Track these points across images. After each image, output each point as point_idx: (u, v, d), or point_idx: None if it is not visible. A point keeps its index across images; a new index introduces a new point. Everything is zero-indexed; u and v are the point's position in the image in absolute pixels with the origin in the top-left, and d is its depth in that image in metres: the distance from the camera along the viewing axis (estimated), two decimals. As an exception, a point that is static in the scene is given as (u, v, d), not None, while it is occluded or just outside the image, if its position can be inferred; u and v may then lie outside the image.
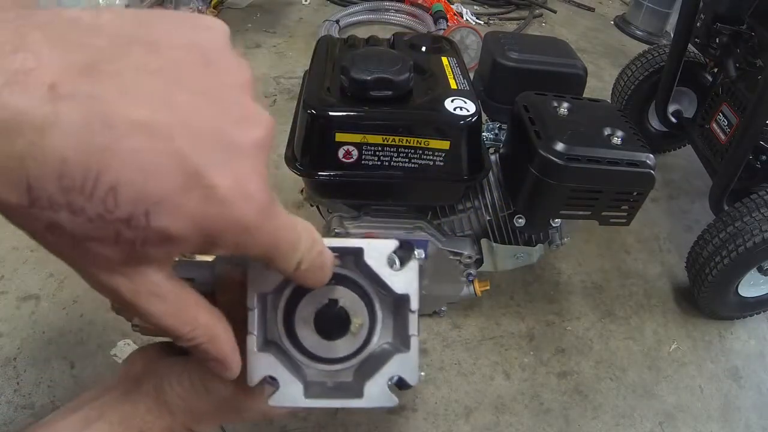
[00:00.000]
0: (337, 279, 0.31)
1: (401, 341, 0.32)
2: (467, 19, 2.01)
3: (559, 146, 0.68)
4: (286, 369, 0.30)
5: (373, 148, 0.66)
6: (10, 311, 0.89)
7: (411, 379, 0.31)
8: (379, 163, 0.68)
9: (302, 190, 0.83)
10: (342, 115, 0.64)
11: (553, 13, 2.30)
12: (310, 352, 0.31)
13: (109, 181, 0.18)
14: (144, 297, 0.22)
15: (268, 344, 0.31)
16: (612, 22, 2.32)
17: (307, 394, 0.30)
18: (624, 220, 0.76)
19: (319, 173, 0.68)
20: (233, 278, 0.32)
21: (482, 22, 2.11)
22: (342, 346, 0.31)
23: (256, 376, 0.30)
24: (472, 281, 0.86)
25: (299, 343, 0.31)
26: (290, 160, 0.70)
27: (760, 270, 0.97)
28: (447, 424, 0.83)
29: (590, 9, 2.42)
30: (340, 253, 0.30)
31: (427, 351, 0.93)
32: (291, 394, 0.30)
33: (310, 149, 0.67)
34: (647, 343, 1.01)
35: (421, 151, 0.67)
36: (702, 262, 0.97)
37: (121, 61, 0.18)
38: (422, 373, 0.29)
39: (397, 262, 0.31)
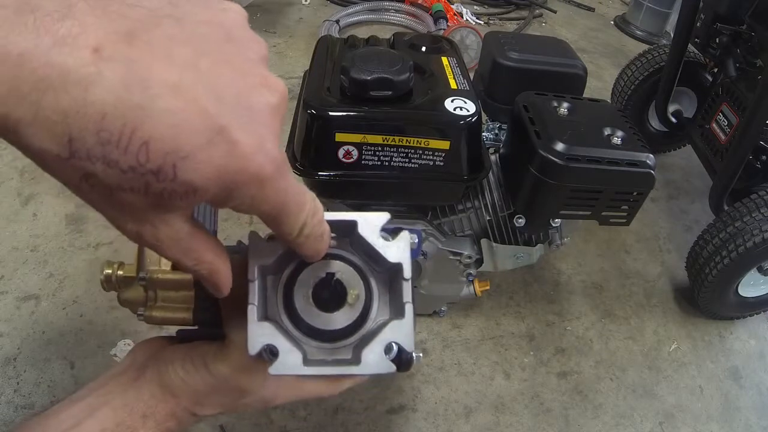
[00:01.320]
0: (332, 257, 0.32)
1: (397, 311, 0.32)
2: (467, 19, 2.01)
3: (559, 146, 0.68)
4: (286, 339, 0.30)
5: (373, 148, 0.66)
6: (10, 311, 0.89)
7: (407, 345, 0.31)
8: (379, 163, 0.68)
9: (302, 190, 0.83)
10: (342, 115, 0.64)
11: (553, 13, 2.30)
12: (310, 326, 0.32)
13: (142, 136, 0.19)
14: (165, 242, 0.25)
15: (268, 321, 0.31)
16: (612, 22, 2.32)
17: (306, 363, 0.30)
18: (624, 220, 0.76)
19: (319, 173, 0.68)
20: (235, 264, 0.32)
21: (482, 22, 2.11)
22: (340, 319, 0.32)
23: (256, 345, 0.30)
24: (472, 281, 0.86)
25: (299, 321, 0.32)
26: (290, 160, 0.70)
27: (760, 270, 0.97)
28: (447, 424, 0.83)
29: (590, 9, 2.42)
30: (336, 225, 0.31)
31: (427, 351, 0.93)
32: (290, 362, 0.30)
33: (310, 149, 0.67)
34: (647, 343, 1.01)
35: (421, 151, 0.67)
36: (702, 262, 0.97)
37: (154, 31, 0.21)
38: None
39: (390, 237, 0.32)
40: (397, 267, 0.32)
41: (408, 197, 0.77)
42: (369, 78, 0.63)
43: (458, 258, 0.81)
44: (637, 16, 2.20)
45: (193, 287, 0.37)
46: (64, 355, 0.84)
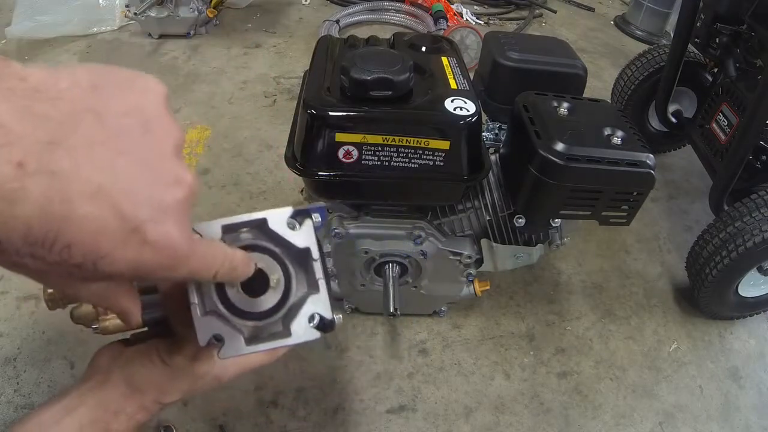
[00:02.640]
0: (253, 247, 0.37)
1: (313, 287, 0.38)
2: (467, 19, 2.01)
3: (559, 146, 0.68)
4: (227, 326, 0.36)
5: (373, 148, 0.66)
6: (10, 311, 0.89)
7: (326, 313, 0.38)
8: (379, 163, 0.68)
9: (302, 190, 0.83)
10: (342, 115, 0.64)
11: (553, 13, 2.30)
12: (243, 311, 0.37)
13: (64, 241, 0.22)
14: (84, 298, 0.32)
15: (209, 313, 0.36)
16: (612, 22, 2.32)
17: (248, 343, 0.36)
18: (624, 220, 0.76)
19: (319, 173, 0.68)
20: None
21: (482, 22, 2.11)
22: (267, 300, 0.37)
23: (203, 336, 0.35)
24: (472, 281, 0.86)
25: (234, 308, 0.37)
26: (290, 160, 0.70)
27: (760, 270, 0.97)
28: (447, 424, 0.83)
29: (590, 9, 2.42)
30: (250, 224, 0.37)
31: (427, 351, 0.93)
32: (235, 345, 0.36)
33: (310, 149, 0.67)
34: (647, 343, 1.01)
35: (421, 151, 0.67)
36: (702, 262, 0.97)
37: (75, 134, 0.23)
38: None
39: (297, 225, 0.37)
40: (306, 251, 0.38)
41: (408, 197, 0.77)
42: (369, 78, 0.63)
43: (458, 258, 0.81)
44: (637, 16, 2.20)
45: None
46: (64, 355, 0.84)
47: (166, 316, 0.39)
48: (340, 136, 0.65)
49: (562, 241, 0.85)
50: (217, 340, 0.36)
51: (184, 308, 0.35)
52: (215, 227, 0.36)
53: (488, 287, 0.88)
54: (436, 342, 0.94)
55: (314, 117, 0.64)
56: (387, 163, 0.68)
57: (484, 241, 0.82)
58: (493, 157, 0.81)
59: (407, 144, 0.66)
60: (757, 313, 1.07)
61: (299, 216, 0.38)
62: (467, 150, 0.68)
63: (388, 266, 0.81)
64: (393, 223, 0.78)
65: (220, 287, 0.36)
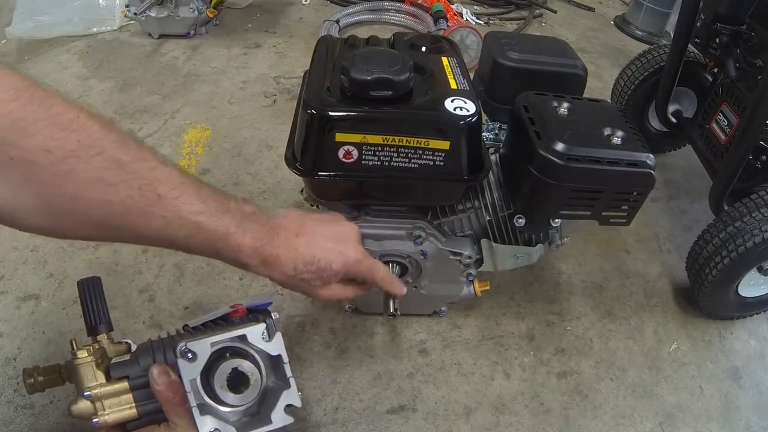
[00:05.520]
0: (233, 351, 0.49)
1: (284, 382, 0.50)
2: (467, 19, 2.02)
3: (559, 146, 0.68)
4: (222, 420, 0.47)
5: (373, 148, 0.66)
6: (10, 311, 0.89)
7: (296, 403, 0.50)
8: (379, 163, 0.68)
9: (302, 190, 0.83)
10: (342, 115, 0.64)
11: (553, 13, 2.30)
12: (230, 404, 0.48)
13: (323, 268, 0.56)
14: (327, 298, 0.60)
15: (204, 407, 0.47)
16: (612, 22, 2.32)
17: (239, 431, 0.47)
18: (624, 220, 0.76)
19: (319, 173, 0.68)
20: (165, 369, 0.47)
21: (482, 22, 2.11)
22: (249, 394, 0.49)
23: (205, 430, 0.46)
24: (472, 281, 0.86)
25: (222, 402, 0.48)
26: (290, 160, 0.70)
27: (760, 270, 0.97)
28: (447, 424, 0.83)
29: (590, 9, 2.42)
30: (231, 340, 0.49)
31: (427, 351, 0.93)
32: None
33: (310, 149, 0.67)
34: (647, 343, 1.01)
35: (421, 151, 0.67)
36: (702, 262, 0.97)
37: (315, 230, 0.57)
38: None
39: (266, 333, 0.50)
40: (278, 357, 0.50)
41: (408, 197, 0.77)
42: (369, 78, 0.63)
43: (458, 258, 0.81)
44: (637, 16, 2.20)
45: (130, 390, 0.48)
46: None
47: (159, 407, 0.47)
48: (340, 136, 0.65)
49: (562, 241, 0.85)
50: (215, 429, 0.46)
51: (176, 400, 0.45)
52: (206, 343, 0.47)
53: (488, 287, 0.88)
54: (436, 342, 0.94)
55: (314, 117, 0.64)
56: (387, 164, 0.68)
57: (484, 241, 0.82)
58: (493, 157, 0.81)
59: (407, 144, 0.66)
60: (757, 313, 1.07)
61: (270, 323, 0.51)
62: (467, 150, 0.69)
63: (389, 266, 0.81)
64: (393, 223, 0.78)
65: (207, 385, 0.47)
